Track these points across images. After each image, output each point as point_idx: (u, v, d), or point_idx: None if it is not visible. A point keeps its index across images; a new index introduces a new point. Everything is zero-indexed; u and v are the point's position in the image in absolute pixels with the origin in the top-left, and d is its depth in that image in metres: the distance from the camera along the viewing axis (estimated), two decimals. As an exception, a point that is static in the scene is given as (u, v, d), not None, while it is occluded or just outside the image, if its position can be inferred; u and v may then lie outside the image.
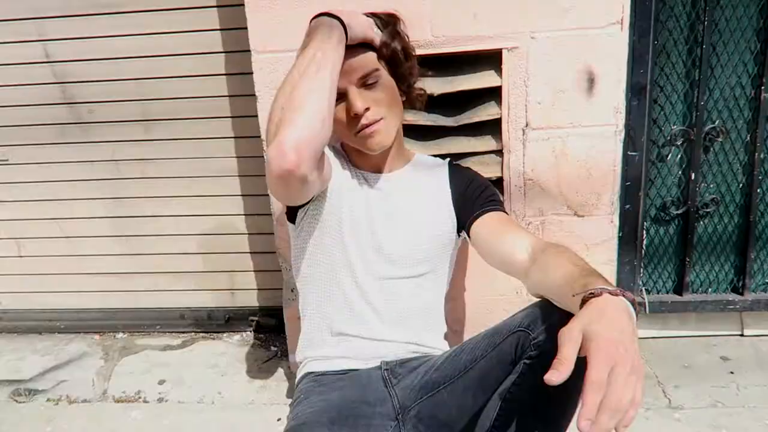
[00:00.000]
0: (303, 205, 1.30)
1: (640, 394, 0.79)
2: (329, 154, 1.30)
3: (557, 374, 0.80)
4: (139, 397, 1.72)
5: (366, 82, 1.21)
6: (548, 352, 0.95)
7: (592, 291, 0.88)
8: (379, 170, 1.35)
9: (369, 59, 1.21)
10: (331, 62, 1.08)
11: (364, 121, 1.21)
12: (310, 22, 1.15)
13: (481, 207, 1.31)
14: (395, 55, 1.24)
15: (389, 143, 1.27)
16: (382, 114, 1.23)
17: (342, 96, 1.19)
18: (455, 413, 1.16)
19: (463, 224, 1.33)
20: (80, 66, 1.89)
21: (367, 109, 1.20)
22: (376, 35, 1.22)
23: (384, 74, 1.23)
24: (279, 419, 1.58)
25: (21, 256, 2.13)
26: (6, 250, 2.13)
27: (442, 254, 1.35)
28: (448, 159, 1.46)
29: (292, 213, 1.36)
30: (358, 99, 1.19)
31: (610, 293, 0.87)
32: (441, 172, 1.39)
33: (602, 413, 0.76)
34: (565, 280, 0.97)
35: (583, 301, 0.88)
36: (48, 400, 1.72)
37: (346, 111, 1.22)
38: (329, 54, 1.08)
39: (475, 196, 1.33)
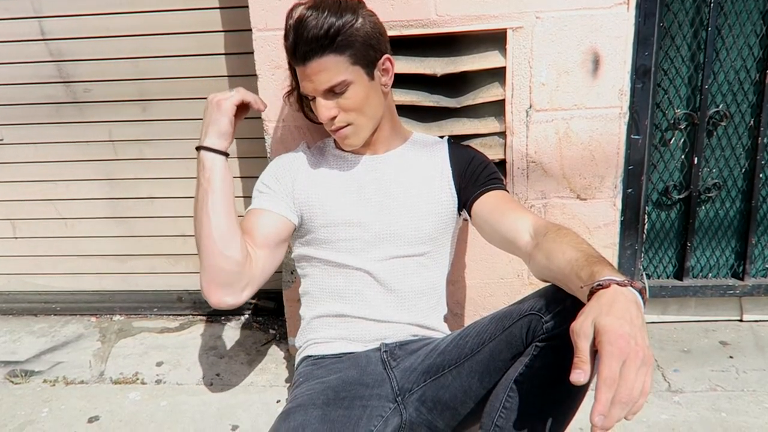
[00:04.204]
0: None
1: (649, 383, 0.80)
2: (291, 189, 1.33)
3: (582, 374, 0.81)
4: (137, 379, 1.70)
5: (333, 91, 1.20)
6: (559, 337, 0.95)
7: (600, 282, 0.87)
8: (373, 152, 1.35)
9: (336, 68, 1.18)
10: (210, 200, 1.21)
11: (332, 126, 1.25)
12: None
13: (482, 185, 1.30)
14: (364, 59, 1.21)
15: (360, 143, 1.30)
16: (350, 120, 1.24)
17: (314, 98, 1.24)
18: (461, 396, 1.16)
19: (464, 203, 1.32)
20: (76, 44, 1.86)
21: (334, 117, 1.23)
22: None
23: (354, 79, 1.20)
24: (278, 401, 1.57)
25: (16, 237, 2.11)
26: (1, 231, 2.11)
27: (443, 233, 1.34)
28: (447, 137, 1.44)
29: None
30: (323, 108, 1.22)
31: (618, 284, 0.87)
32: (440, 150, 1.38)
33: (614, 407, 0.77)
34: (571, 267, 0.97)
35: (591, 292, 0.88)
36: (44, 381, 1.71)
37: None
38: (210, 191, 1.22)
39: (476, 175, 1.32)
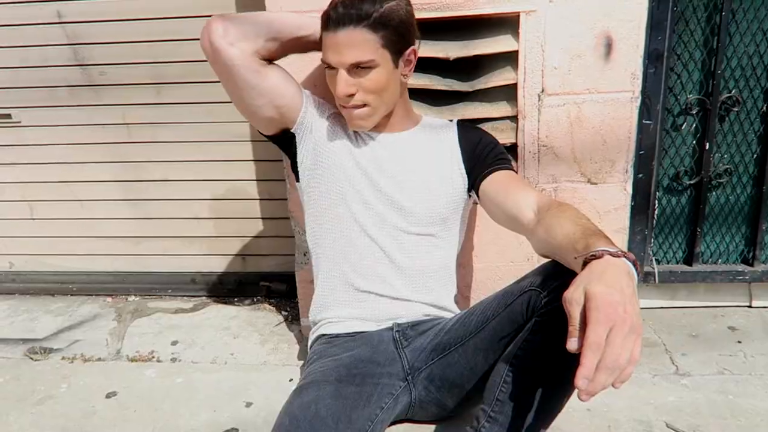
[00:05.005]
0: (295, 156, 1.36)
1: (638, 352, 0.81)
2: (315, 105, 1.35)
3: (577, 341, 0.82)
4: (153, 357, 1.74)
5: (359, 68, 1.21)
6: (557, 311, 0.97)
7: (594, 253, 0.89)
8: (386, 131, 1.36)
9: (366, 46, 1.19)
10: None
11: (348, 103, 1.24)
12: None
13: (490, 165, 1.32)
14: (394, 45, 1.22)
15: (370, 126, 1.30)
16: (368, 101, 1.24)
17: (334, 68, 1.22)
18: (467, 373, 1.18)
19: (473, 183, 1.33)
20: (92, 27, 1.88)
21: (352, 94, 1.22)
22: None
23: (381, 62, 1.21)
24: (291, 379, 1.60)
25: (33, 219, 2.15)
26: (18, 212, 2.14)
27: (454, 213, 1.36)
28: (456, 119, 1.45)
29: (295, 169, 1.39)
30: (343, 83, 1.21)
31: (611, 254, 0.88)
32: (450, 133, 1.39)
33: (600, 372, 0.79)
34: (568, 240, 0.98)
35: (585, 263, 0.89)
36: (63, 358, 1.75)
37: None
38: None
39: (484, 155, 1.34)
